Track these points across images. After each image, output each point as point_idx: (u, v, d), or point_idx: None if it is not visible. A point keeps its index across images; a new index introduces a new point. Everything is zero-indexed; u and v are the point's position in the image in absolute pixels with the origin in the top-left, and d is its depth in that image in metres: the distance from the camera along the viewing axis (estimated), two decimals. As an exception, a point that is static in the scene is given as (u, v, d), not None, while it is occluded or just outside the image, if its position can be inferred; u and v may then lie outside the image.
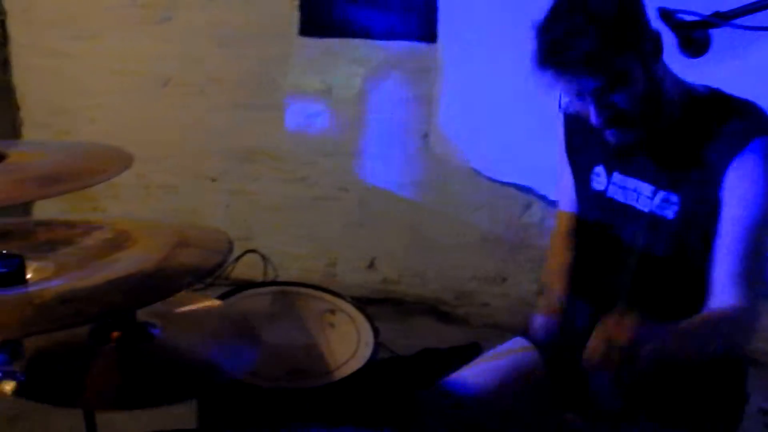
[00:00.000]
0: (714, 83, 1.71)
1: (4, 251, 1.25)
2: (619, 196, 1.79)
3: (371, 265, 3.80)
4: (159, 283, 1.20)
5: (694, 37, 1.58)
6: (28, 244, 1.37)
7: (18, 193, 1.54)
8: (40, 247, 1.36)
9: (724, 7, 1.55)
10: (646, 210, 1.72)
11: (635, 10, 1.55)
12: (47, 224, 1.47)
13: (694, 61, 1.62)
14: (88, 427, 1.87)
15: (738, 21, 1.50)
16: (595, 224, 1.88)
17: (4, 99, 3.83)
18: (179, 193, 3.89)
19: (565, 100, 1.65)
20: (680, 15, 1.58)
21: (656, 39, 1.57)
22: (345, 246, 3.82)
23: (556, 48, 1.53)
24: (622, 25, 1.51)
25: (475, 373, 1.93)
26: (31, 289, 1.21)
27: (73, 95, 3.83)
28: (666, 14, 1.58)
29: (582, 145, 1.89)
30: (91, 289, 1.13)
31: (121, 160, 1.71)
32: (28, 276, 1.28)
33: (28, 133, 3.90)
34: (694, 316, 1.60)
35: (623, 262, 1.82)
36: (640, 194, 1.74)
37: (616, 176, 1.80)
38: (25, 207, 3.78)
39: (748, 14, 1.48)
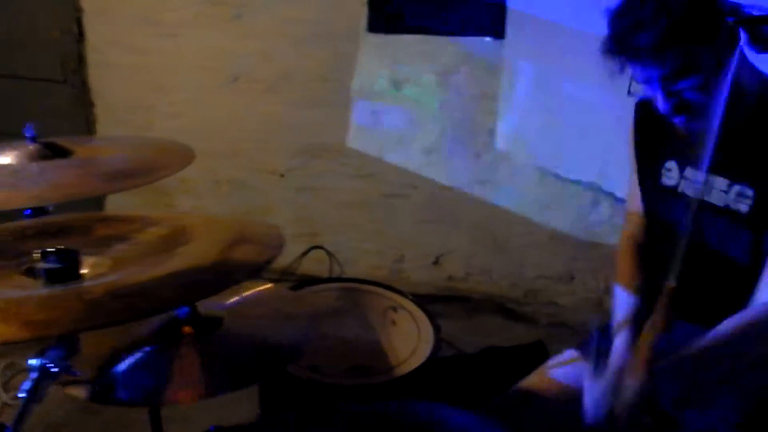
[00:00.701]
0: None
1: (60, 246, 1.27)
2: (692, 191, 1.75)
3: (437, 262, 3.79)
4: (211, 279, 1.21)
5: (764, 32, 1.53)
6: (86, 240, 1.40)
7: (86, 188, 1.59)
8: (97, 243, 1.39)
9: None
10: (720, 204, 1.68)
11: (708, 1, 1.52)
12: (106, 220, 1.50)
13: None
14: (153, 422, 1.91)
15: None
16: (665, 220, 1.84)
17: (79, 95, 3.93)
18: (248, 189, 3.93)
19: (634, 85, 1.63)
20: (748, 9, 1.53)
21: (732, 30, 1.53)
22: (412, 243, 3.81)
23: (626, 35, 1.53)
24: (694, 16, 1.50)
25: (536, 383, 1.91)
26: (84, 284, 1.24)
27: (148, 92, 3.90)
28: (733, 8, 1.54)
29: (653, 140, 1.86)
30: (143, 284, 1.15)
31: (184, 156, 1.75)
32: (84, 271, 1.31)
33: (105, 129, 3.99)
34: (729, 318, 1.56)
35: (691, 264, 1.78)
36: (714, 188, 1.69)
37: (689, 171, 1.76)
38: (98, 202, 3.88)
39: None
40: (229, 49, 3.72)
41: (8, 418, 2.68)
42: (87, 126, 3.96)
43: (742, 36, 1.54)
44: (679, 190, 1.79)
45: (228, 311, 1.82)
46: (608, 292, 3.13)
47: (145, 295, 1.12)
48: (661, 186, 1.84)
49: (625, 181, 2.04)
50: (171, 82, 3.85)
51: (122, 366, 1.55)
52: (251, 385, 1.66)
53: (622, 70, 1.58)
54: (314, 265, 3.77)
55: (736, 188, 1.65)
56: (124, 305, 1.09)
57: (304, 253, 3.76)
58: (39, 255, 1.28)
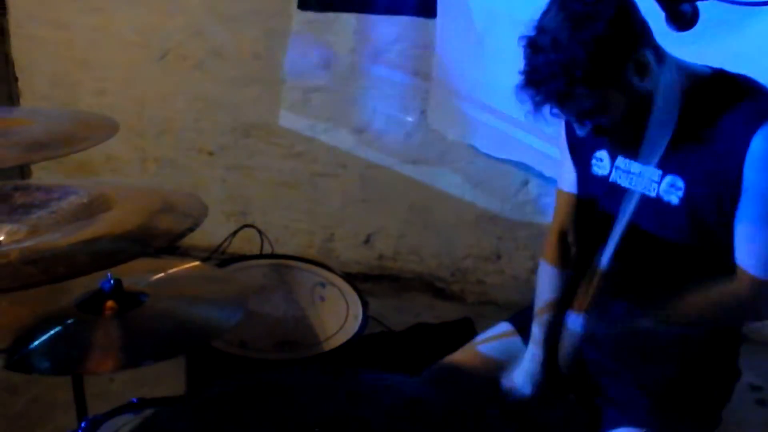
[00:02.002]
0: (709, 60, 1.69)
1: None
2: (623, 181, 1.74)
3: (368, 242, 3.80)
4: (129, 246, 1.20)
5: (681, 10, 1.55)
6: (4, 208, 1.38)
7: (1, 158, 1.55)
8: (16, 211, 1.37)
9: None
10: (652, 195, 1.67)
11: (617, 41, 1.48)
12: (25, 188, 1.47)
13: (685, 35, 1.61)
14: (77, 398, 1.89)
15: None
16: (598, 206, 1.84)
17: (1, 69, 3.82)
18: (177, 167, 3.88)
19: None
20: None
21: (643, 58, 1.51)
22: (343, 222, 3.82)
23: (536, 77, 1.50)
24: (601, 62, 1.47)
25: (464, 358, 1.94)
26: (-1, 250, 1.21)
27: (74, 67, 3.82)
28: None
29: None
30: (58, 249, 1.13)
31: (107, 129, 1.72)
32: (0, 238, 1.28)
33: (29, 104, 3.89)
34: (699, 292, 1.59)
35: (626, 248, 1.80)
36: (645, 179, 1.68)
37: (621, 161, 1.74)
38: (23, 176, 3.80)
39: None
40: (157, 25, 3.66)
41: None
42: (11, 101, 3.86)
43: (663, 14, 1.55)
44: (611, 180, 1.77)
45: (153, 287, 1.81)
46: (535, 270, 3.20)
47: (60, 260, 1.10)
48: (592, 175, 1.82)
49: (553, 161, 2.05)
50: (97, 58, 3.78)
51: (42, 336, 1.53)
52: (169, 358, 1.66)
53: (536, 109, 1.53)
54: (245, 244, 3.74)
55: (668, 179, 1.64)
56: (38, 269, 1.07)
57: (235, 232, 3.73)
58: (-48, 223, 1.26)
